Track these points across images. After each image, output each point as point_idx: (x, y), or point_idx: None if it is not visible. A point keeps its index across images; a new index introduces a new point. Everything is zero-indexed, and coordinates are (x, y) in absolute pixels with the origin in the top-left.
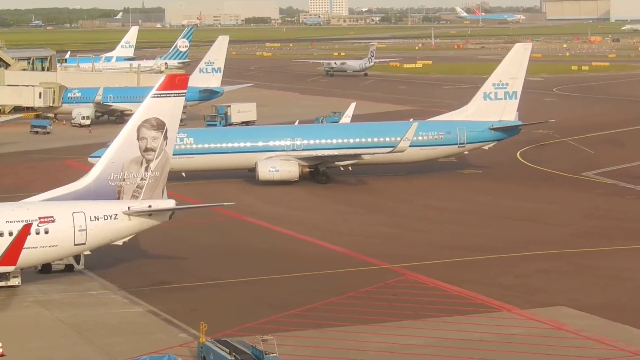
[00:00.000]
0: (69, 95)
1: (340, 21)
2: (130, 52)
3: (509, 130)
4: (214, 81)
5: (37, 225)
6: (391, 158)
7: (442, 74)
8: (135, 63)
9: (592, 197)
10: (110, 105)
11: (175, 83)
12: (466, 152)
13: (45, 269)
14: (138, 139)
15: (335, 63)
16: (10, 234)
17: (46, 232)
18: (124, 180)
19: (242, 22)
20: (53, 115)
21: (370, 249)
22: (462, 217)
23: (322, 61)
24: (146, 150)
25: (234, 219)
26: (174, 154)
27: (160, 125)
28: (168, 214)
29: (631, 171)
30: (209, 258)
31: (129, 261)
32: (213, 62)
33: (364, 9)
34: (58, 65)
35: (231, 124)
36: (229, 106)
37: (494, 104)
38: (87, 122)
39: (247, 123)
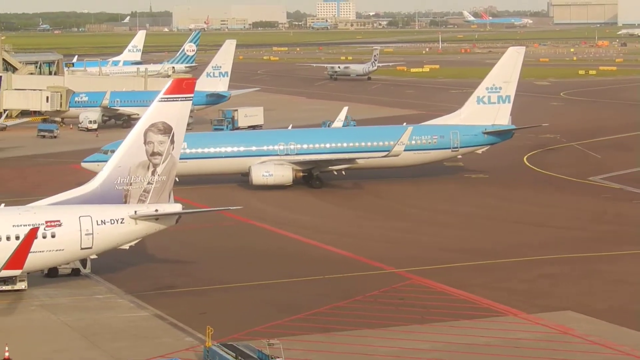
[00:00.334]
0: (76, 99)
1: (348, 25)
2: (137, 56)
3: (502, 134)
4: (221, 85)
5: (44, 229)
6: (385, 162)
7: (449, 78)
8: (142, 67)
9: (599, 202)
10: (118, 109)
11: (182, 87)
12: (459, 157)
13: (52, 273)
14: (145, 143)
15: (338, 67)
16: (17, 238)
17: (53, 236)
18: (130, 184)
19: (249, 26)
20: (60, 119)
21: (376, 253)
22: (468, 221)
23: (325, 65)
24: (153, 154)
25: (240, 223)
26: None
27: (167, 130)
28: (175, 218)
29: (638, 176)
30: (215, 262)
31: (135, 265)
32: (220, 66)
33: (371, 13)
34: (65, 69)
35: (238, 128)
36: (236, 110)
37: (488, 108)
38: (94, 126)
39: (254, 127)
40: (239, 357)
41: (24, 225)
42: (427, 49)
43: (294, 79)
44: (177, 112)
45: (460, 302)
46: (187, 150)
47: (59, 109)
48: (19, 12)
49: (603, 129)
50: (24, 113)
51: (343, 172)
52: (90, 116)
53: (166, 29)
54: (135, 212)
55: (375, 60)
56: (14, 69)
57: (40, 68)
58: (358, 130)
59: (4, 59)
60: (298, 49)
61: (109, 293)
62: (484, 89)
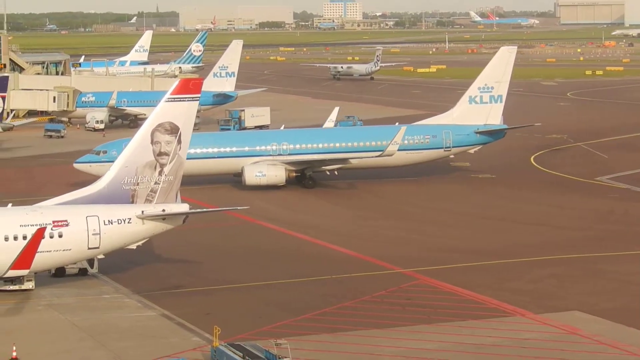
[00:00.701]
0: (83, 99)
1: (354, 26)
2: (144, 57)
3: (494, 134)
4: (227, 85)
5: (51, 229)
6: (378, 162)
7: (456, 78)
8: (149, 67)
9: (606, 202)
10: (124, 109)
11: (189, 87)
12: (452, 156)
13: (59, 273)
14: (152, 143)
15: (341, 67)
16: (24, 237)
17: (60, 236)
18: (137, 184)
19: (256, 26)
20: (67, 119)
21: (383, 253)
22: (475, 222)
23: (328, 65)
24: (160, 154)
25: (247, 223)
26: None
27: (174, 130)
28: (182, 218)
29: None
30: (222, 262)
31: (142, 265)
32: (227, 67)
33: (378, 14)
34: (72, 69)
35: (245, 128)
36: (243, 110)
37: (480, 108)
38: (101, 126)
39: (260, 127)
40: (247, 357)
41: (31, 225)
42: (433, 49)
43: (301, 79)
44: (184, 112)
45: (468, 302)
46: None
47: (66, 109)
48: (26, 12)
49: (610, 129)
50: (31, 113)
51: (335, 172)
52: (97, 116)
53: (173, 29)
54: (143, 212)
55: (378, 61)
56: (21, 69)
57: (47, 68)
58: (351, 130)
59: (11, 59)
60: (305, 49)
61: (116, 293)
62: (476, 89)
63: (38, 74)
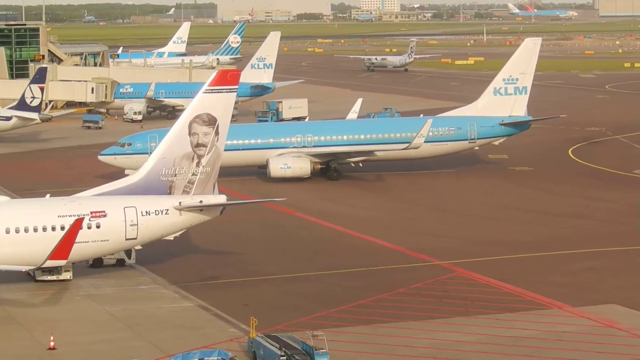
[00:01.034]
0: (121, 90)
1: (392, 17)
2: (182, 48)
3: (519, 126)
4: (265, 77)
5: (89, 220)
6: (402, 154)
7: (494, 70)
8: (187, 59)
9: None
10: (162, 101)
11: (227, 79)
12: (476, 148)
13: (97, 264)
14: (190, 134)
15: (375, 59)
16: (62, 228)
17: (98, 227)
18: (175, 175)
19: (294, 18)
20: (105, 111)
21: (421, 246)
22: (513, 214)
23: (363, 57)
24: (197, 145)
25: (285, 215)
26: None
27: (211, 121)
28: (219, 210)
29: None
30: (259, 253)
31: (179, 256)
32: (265, 58)
33: (415, 6)
34: (110, 60)
35: (282, 120)
36: (280, 102)
37: (504, 99)
38: (139, 117)
39: (298, 119)
40: (283, 349)
41: (69, 216)
42: (471, 42)
43: (339, 71)
44: (222, 104)
45: (505, 294)
46: None
47: (104, 100)
48: (65, 3)
49: None
50: (69, 104)
51: (360, 165)
52: (135, 107)
53: (211, 21)
54: (180, 203)
55: (412, 52)
56: (60, 60)
57: (85, 59)
58: (375, 122)
59: (49, 51)
60: (342, 41)
61: (153, 283)
62: (501, 80)
63: (76, 65)
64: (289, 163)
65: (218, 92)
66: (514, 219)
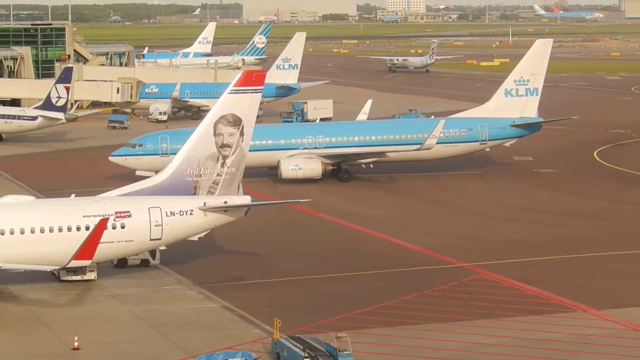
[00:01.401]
0: (147, 90)
1: (418, 18)
2: (207, 48)
3: (530, 127)
4: (290, 78)
5: (114, 220)
6: (413, 155)
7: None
8: (212, 59)
9: None
10: (187, 101)
11: (252, 79)
12: (487, 149)
13: (121, 264)
14: (214, 135)
15: (397, 60)
16: (87, 228)
17: (122, 227)
18: (200, 176)
19: (319, 18)
20: (130, 111)
21: (445, 247)
22: (537, 217)
23: (384, 58)
24: (222, 146)
25: (309, 216)
26: None
27: (236, 122)
28: (244, 210)
29: None
30: (284, 254)
31: (204, 257)
32: (290, 59)
33: (441, 7)
34: (136, 60)
35: (307, 121)
36: (306, 103)
37: (515, 101)
38: (164, 117)
39: (323, 120)
40: (307, 350)
41: (94, 216)
42: (497, 43)
43: (363, 72)
44: (247, 104)
45: (529, 297)
46: None
47: (129, 100)
48: (91, 3)
49: None
50: (94, 104)
51: (371, 166)
52: (160, 107)
53: (236, 21)
54: (205, 203)
55: (433, 53)
56: (85, 60)
57: (111, 59)
58: (386, 123)
59: (75, 50)
60: (368, 42)
61: (178, 284)
62: (512, 82)
63: (102, 65)
64: (300, 164)
65: (243, 92)
66: (539, 221)
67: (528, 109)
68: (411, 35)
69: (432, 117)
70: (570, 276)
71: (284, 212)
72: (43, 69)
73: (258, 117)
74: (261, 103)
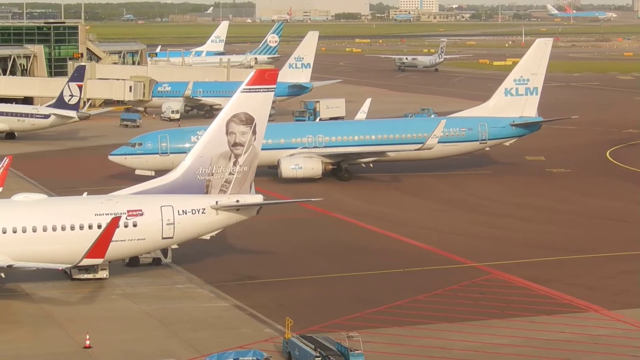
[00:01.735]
0: (159, 89)
1: (430, 18)
2: (220, 47)
3: (530, 127)
4: (303, 77)
5: (126, 219)
6: (413, 155)
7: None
8: (225, 58)
9: None
10: (200, 100)
11: (264, 78)
12: (487, 149)
13: (133, 262)
14: (227, 133)
15: (406, 59)
16: (99, 226)
17: (134, 226)
18: (212, 174)
19: (332, 17)
20: (143, 109)
21: (457, 247)
22: (549, 216)
23: (393, 57)
24: (235, 145)
25: (321, 215)
26: None
27: (249, 120)
28: (256, 209)
29: None
30: (295, 254)
31: (215, 255)
32: (302, 58)
33: (454, 6)
34: (148, 59)
35: (320, 120)
36: (318, 102)
37: (515, 100)
38: (177, 116)
39: (335, 119)
40: (318, 349)
41: (106, 214)
42: (510, 42)
43: (376, 71)
44: (260, 103)
45: (541, 297)
46: None
47: (141, 98)
48: (104, 2)
49: None
50: (107, 102)
51: (371, 165)
52: (172, 106)
53: (249, 20)
54: (217, 202)
55: (442, 52)
56: (98, 59)
57: (123, 58)
58: (386, 122)
59: (88, 49)
60: (380, 41)
61: (189, 283)
62: (512, 81)
63: (115, 63)
64: (300, 163)
65: (256, 91)
66: (550, 220)
67: (528, 109)
68: (424, 34)
69: (433, 116)
70: (582, 276)
71: (296, 211)
72: (56, 67)
73: (270, 116)
74: (273, 102)
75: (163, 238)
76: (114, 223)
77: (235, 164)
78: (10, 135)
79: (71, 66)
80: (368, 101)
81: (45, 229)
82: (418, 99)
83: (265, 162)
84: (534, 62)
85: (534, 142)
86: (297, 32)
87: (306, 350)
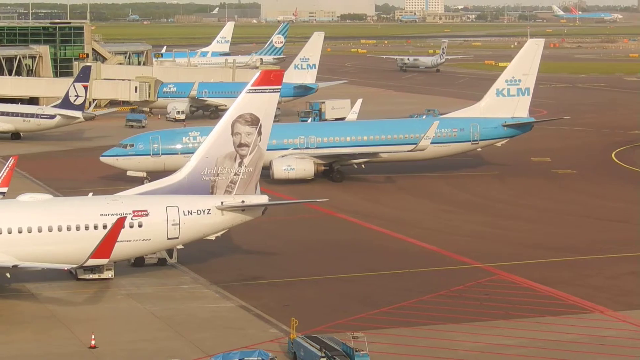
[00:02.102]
0: (165, 89)
1: (436, 19)
2: (225, 48)
3: (522, 127)
4: (308, 77)
5: (131, 219)
6: (405, 156)
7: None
8: (230, 58)
9: None
10: (205, 100)
11: (270, 79)
12: (479, 149)
13: (138, 263)
14: (232, 134)
15: (408, 59)
16: (105, 227)
17: (140, 226)
18: (217, 175)
19: (337, 18)
20: (148, 110)
21: (462, 248)
22: (555, 217)
23: (395, 57)
24: (240, 145)
25: (326, 216)
26: (187, 152)
27: (254, 121)
28: (261, 210)
29: None
30: (300, 254)
31: (221, 256)
32: (308, 59)
33: (460, 7)
34: (154, 59)
35: (325, 120)
36: (323, 102)
37: (507, 101)
38: (182, 116)
39: (341, 119)
40: (324, 350)
41: (111, 215)
42: (515, 43)
43: (381, 72)
44: (265, 104)
45: (546, 298)
46: None
47: (147, 99)
48: (109, 2)
49: None
50: (112, 103)
51: (363, 166)
52: (178, 107)
53: (254, 21)
54: (222, 203)
55: (444, 53)
56: (104, 59)
57: (129, 58)
58: (379, 123)
59: (93, 49)
60: (386, 42)
61: (195, 283)
62: (503, 82)
63: (120, 64)
64: (292, 164)
65: (261, 92)
66: (556, 222)
67: (519, 109)
68: (429, 35)
69: (424, 117)
70: (587, 277)
71: (301, 212)
72: (61, 68)
73: (276, 116)
74: (279, 103)
75: (168, 238)
76: (119, 223)
77: (240, 164)
78: (15, 136)
79: (77, 66)
80: (359, 102)
81: (50, 229)
82: (423, 100)
83: None
84: (526, 62)
85: (539, 143)
86: (302, 33)
87: (311, 350)
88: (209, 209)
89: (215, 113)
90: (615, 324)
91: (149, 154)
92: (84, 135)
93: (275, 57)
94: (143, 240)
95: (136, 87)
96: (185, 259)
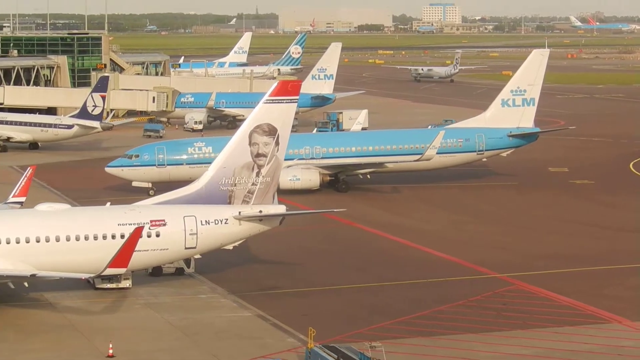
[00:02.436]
0: (182, 100)
1: (453, 29)
2: (243, 58)
3: (527, 137)
4: (326, 88)
5: (149, 229)
6: (411, 166)
7: (555, 83)
8: (248, 69)
9: None
10: (223, 111)
11: (287, 89)
12: (484, 160)
13: (156, 272)
14: (250, 144)
15: (422, 69)
16: (122, 236)
17: (157, 236)
18: (235, 185)
19: (355, 29)
20: (166, 120)
21: (479, 258)
22: (573, 227)
23: (409, 67)
24: (258, 155)
25: (344, 226)
26: (192, 163)
27: (272, 131)
28: (278, 220)
29: None
30: (318, 264)
31: (238, 265)
32: (325, 69)
33: (477, 18)
34: (172, 70)
35: (343, 131)
36: (341, 113)
37: (512, 111)
38: (200, 127)
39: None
40: (341, 359)
41: (129, 224)
42: None
43: (400, 83)
44: (282, 114)
45: (564, 308)
46: (213, 155)
47: (164, 109)
48: (127, 13)
49: None
50: (130, 113)
51: (368, 176)
52: (195, 117)
53: (272, 31)
54: (240, 212)
55: (457, 63)
56: (121, 69)
57: (147, 68)
58: (384, 133)
59: (111, 59)
60: (403, 53)
61: (212, 293)
62: (509, 92)
63: (138, 74)
64: (298, 175)
65: (279, 102)
66: (574, 232)
67: (525, 119)
68: (447, 46)
69: (429, 127)
70: (605, 287)
71: (319, 222)
72: (79, 78)
73: (293, 127)
74: (296, 113)
75: (186, 248)
76: (137, 233)
77: (258, 174)
78: (33, 146)
79: (94, 77)
80: (364, 112)
81: (68, 239)
82: (440, 111)
83: None
84: (531, 73)
85: (557, 154)
86: (320, 44)
87: None
88: (227, 219)
89: (233, 123)
90: (633, 334)
91: (154, 165)
92: (101, 146)
93: (292, 67)
94: (161, 249)
95: (154, 98)
96: (202, 269)
